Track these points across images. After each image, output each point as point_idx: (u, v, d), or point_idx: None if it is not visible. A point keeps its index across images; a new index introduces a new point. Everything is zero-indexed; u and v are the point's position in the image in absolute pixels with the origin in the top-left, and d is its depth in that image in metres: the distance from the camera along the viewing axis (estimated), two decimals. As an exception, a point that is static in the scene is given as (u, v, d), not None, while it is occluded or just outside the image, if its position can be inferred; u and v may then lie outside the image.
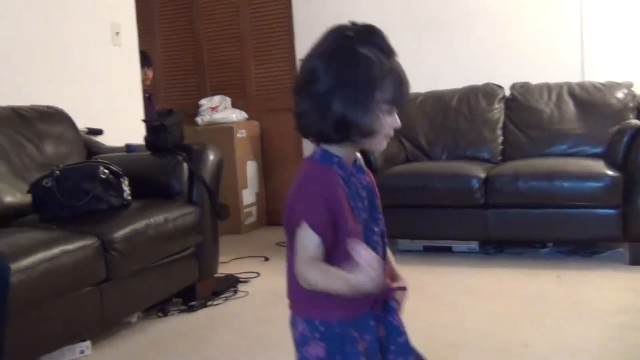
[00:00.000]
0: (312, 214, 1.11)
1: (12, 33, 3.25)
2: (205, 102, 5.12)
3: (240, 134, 4.89)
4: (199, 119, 5.03)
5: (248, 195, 4.95)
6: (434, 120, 4.19)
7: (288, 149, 5.09)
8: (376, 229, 1.21)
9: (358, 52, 1.12)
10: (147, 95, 4.59)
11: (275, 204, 5.14)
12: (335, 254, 1.12)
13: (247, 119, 5.11)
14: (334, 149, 1.17)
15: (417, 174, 3.68)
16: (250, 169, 4.98)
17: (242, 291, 3.24)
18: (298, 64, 4.82)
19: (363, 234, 1.17)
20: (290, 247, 1.17)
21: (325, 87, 1.11)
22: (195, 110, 5.13)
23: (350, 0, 4.74)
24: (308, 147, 4.91)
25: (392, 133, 1.17)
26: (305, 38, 4.90)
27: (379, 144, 1.17)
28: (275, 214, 5.14)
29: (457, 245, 3.74)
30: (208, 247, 3.05)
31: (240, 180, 4.85)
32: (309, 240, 1.11)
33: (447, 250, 3.74)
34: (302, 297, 1.17)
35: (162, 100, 5.42)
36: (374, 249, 1.17)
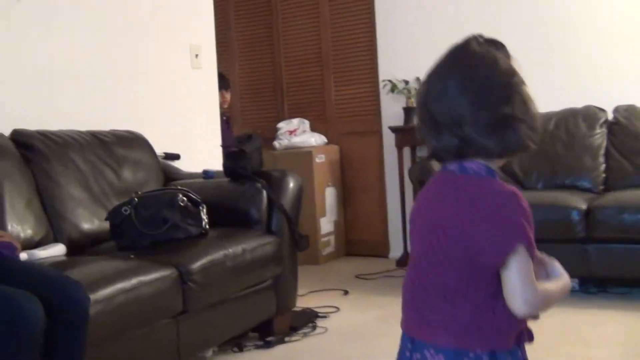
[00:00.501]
0: (527, 235, 1.11)
1: (90, 57, 3.39)
2: (283, 126, 5.19)
3: (319, 158, 4.92)
4: (276, 143, 5.09)
5: (326, 224, 4.95)
6: (528, 146, 4.08)
7: (369, 174, 5.08)
8: None
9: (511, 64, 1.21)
10: (224, 118, 4.67)
11: (354, 233, 5.12)
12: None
13: (327, 143, 5.14)
14: (489, 163, 1.19)
15: (510, 205, 3.59)
16: (329, 195, 5.00)
17: (320, 327, 3.23)
18: (381, 84, 4.91)
19: None
20: (467, 279, 1.13)
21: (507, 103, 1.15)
22: (272, 133, 5.20)
23: (438, 19, 4.72)
24: (391, 174, 4.89)
25: None
26: (389, 58, 4.91)
27: None
28: (354, 244, 5.12)
29: (553, 283, 3.61)
30: (286, 279, 3.06)
31: (318, 208, 4.87)
32: (528, 264, 1.11)
33: (543, 288, 3.62)
34: (476, 330, 1.14)
35: (240, 123, 5.53)
36: None
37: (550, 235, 3.44)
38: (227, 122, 4.82)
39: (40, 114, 3.08)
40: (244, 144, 3.15)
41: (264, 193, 3.02)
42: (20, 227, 2.54)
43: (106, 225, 2.70)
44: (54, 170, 2.78)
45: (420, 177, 3.68)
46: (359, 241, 5.10)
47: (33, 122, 2.95)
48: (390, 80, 4.78)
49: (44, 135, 2.88)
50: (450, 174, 1.18)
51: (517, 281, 1.10)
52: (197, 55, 4.00)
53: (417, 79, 4.72)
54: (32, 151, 2.78)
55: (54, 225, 2.69)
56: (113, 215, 2.66)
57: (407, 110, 4.68)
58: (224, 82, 4.72)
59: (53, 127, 2.98)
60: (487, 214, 1.11)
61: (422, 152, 4.69)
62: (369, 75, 5.07)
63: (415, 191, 4.34)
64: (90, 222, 2.80)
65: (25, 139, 2.82)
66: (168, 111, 3.79)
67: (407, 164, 4.64)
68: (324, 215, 4.93)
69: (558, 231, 3.42)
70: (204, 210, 2.77)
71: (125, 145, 3.20)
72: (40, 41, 3.14)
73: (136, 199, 2.66)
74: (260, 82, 5.54)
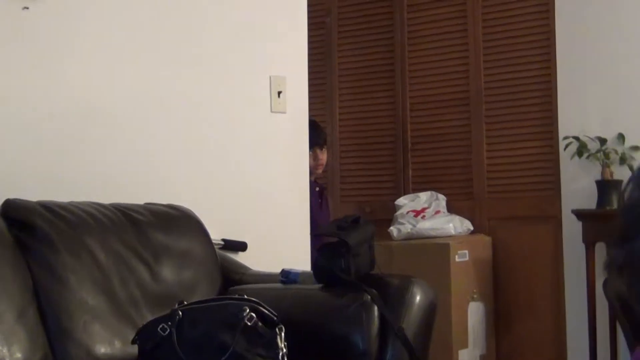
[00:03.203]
0: None
1: (119, 95, 3.47)
2: (405, 203, 5.18)
3: (461, 256, 4.87)
4: (394, 230, 5.08)
5: (468, 359, 4.86)
6: None
7: (539, 284, 5.00)
8: None
9: None
10: (317, 189, 4.68)
11: (514, 376, 5.01)
12: None
13: (472, 232, 5.12)
14: None
15: None
16: (474, 314, 4.94)
17: None
18: (562, 144, 4.79)
19: None
20: None
21: None
22: (389, 214, 5.21)
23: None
24: (575, 284, 4.79)
25: None
26: (575, 103, 4.86)
27: None
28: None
29: None
30: None
31: (456, 333, 4.80)
32: None
33: None
34: None
35: (338, 197, 5.55)
36: None
37: None
38: (320, 196, 4.83)
39: (44, 178, 3.15)
40: (346, 232, 3.11)
41: (375, 310, 2.96)
42: (6, 348, 2.56)
43: (134, 350, 2.70)
44: (61, 264, 2.81)
45: (623, 294, 3.55)
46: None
47: (34, 190, 3.02)
48: (576, 138, 4.71)
49: (50, 209, 2.93)
50: None
51: None
52: (279, 93, 4.04)
53: (620, 136, 4.62)
54: (30, 233, 2.83)
55: (55, 348, 2.70)
56: (145, 336, 2.65)
57: (603, 185, 4.57)
58: (318, 135, 4.74)
59: (63, 198, 3.04)
60: None
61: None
62: (543, 128, 5.04)
63: (614, 315, 4.19)
64: (110, 344, 2.80)
65: (21, 214, 2.87)
66: (231, 177, 3.82)
67: (600, 269, 4.49)
68: (464, 345, 4.85)
69: None
70: (282, 333, 2.73)
71: (167, 227, 3.22)
72: (51, 70, 3.24)
73: (180, 313, 2.65)
74: (372, 135, 5.58)
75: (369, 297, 2.98)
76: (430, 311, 3.08)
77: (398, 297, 3.02)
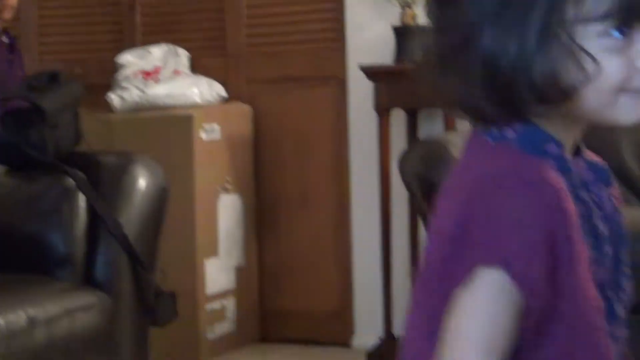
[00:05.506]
0: (516, 255, 1.24)
1: None
2: (130, 61, 5.17)
3: (209, 132, 4.91)
4: (115, 97, 5.07)
5: (219, 273, 4.95)
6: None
7: (318, 167, 5.10)
8: (618, 300, 1.35)
9: None
10: (6, 41, 4.59)
11: (280, 294, 5.13)
12: (539, 343, 1.26)
13: (225, 101, 5.17)
14: (543, 125, 1.33)
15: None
16: (228, 211, 5.01)
17: None
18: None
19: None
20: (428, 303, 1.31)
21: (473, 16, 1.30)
22: (107, 76, 5.19)
23: None
24: (363, 166, 4.86)
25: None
26: None
27: (618, 109, 1.32)
28: (278, 318, 5.12)
29: None
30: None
31: (201, 237, 4.86)
32: (496, 305, 1.25)
33: None
34: None
35: (36, 53, 5.50)
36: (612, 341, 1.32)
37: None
38: (12, 51, 4.75)
39: None
40: (40, 94, 3.12)
41: (81, 200, 3.00)
42: None
43: None
44: None
45: (425, 173, 3.60)
46: (290, 312, 5.11)
47: None
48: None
49: None
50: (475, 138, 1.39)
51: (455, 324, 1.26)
52: None
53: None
54: None
55: None
56: None
57: (402, 33, 4.64)
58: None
59: None
60: (459, 211, 1.30)
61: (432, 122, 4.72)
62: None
63: (413, 201, 4.26)
64: None
65: None
66: None
67: (396, 143, 4.62)
68: (213, 253, 4.92)
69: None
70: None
71: None
72: None
73: None
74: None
75: (73, 181, 3.01)
76: (160, 201, 3.14)
77: (114, 182, 3.07)
